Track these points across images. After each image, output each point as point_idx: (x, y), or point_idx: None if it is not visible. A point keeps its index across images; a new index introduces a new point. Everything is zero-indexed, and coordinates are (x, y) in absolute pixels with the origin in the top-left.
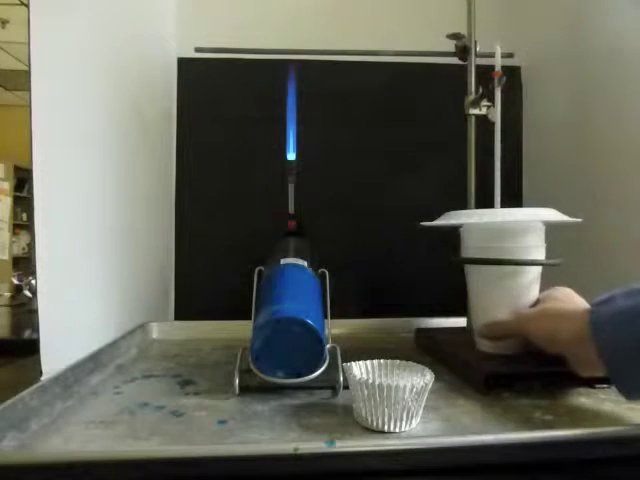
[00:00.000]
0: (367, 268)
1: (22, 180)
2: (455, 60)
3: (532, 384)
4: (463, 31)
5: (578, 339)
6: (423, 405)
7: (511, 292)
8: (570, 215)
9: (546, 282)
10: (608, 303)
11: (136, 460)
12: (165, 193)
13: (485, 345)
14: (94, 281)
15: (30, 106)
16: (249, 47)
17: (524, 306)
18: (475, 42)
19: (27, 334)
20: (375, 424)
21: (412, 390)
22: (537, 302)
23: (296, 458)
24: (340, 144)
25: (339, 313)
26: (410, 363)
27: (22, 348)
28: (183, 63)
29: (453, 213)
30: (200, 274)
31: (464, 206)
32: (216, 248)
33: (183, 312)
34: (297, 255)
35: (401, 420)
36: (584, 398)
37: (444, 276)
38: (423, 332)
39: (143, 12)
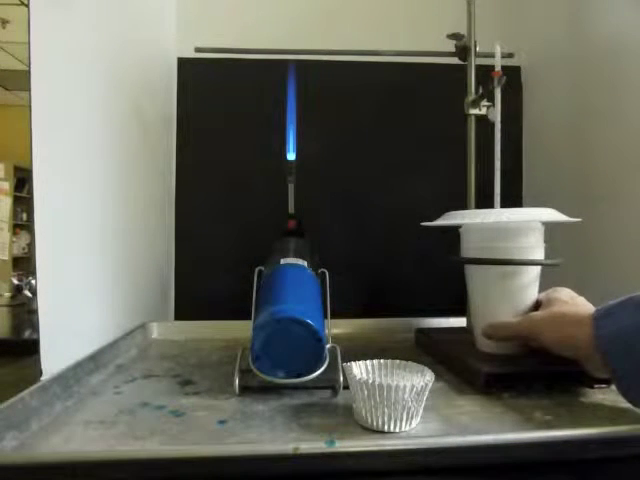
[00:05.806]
0: (367, 268)
1: (22, 180)
2: (455, 60)
3: (532, 384)
4: (463, 31)
5: (590, 346)
6: (423, 405)
7: (511, 292)
8: (570, 215)
9: (546, 282)
10: (611, 317)
11: (136, 460)
12: (165, 193)
13: (485, 345)
14: (94, 281)
15: (30, 106)
16: (249, 47)
17: (524, 306)
18: (475, 42)
19: (27, 334)
20: (375, 424)
21: (412, 390)
22: (537, 303)
23: (296, 458)
24: (340, 144)
25: (339, 313)
26: (410, 363)
27: (22, 348)
28: (183, 63)
29: (453, 213)
30: (200, 274)
31: (464, 206)
32: (216, 248)
33: (183, 312)
34: (297, 255)
35: (401, 420)
36: (584, 398)
37: (444, 276)
38: (423, 332)
39: (143, 12)
